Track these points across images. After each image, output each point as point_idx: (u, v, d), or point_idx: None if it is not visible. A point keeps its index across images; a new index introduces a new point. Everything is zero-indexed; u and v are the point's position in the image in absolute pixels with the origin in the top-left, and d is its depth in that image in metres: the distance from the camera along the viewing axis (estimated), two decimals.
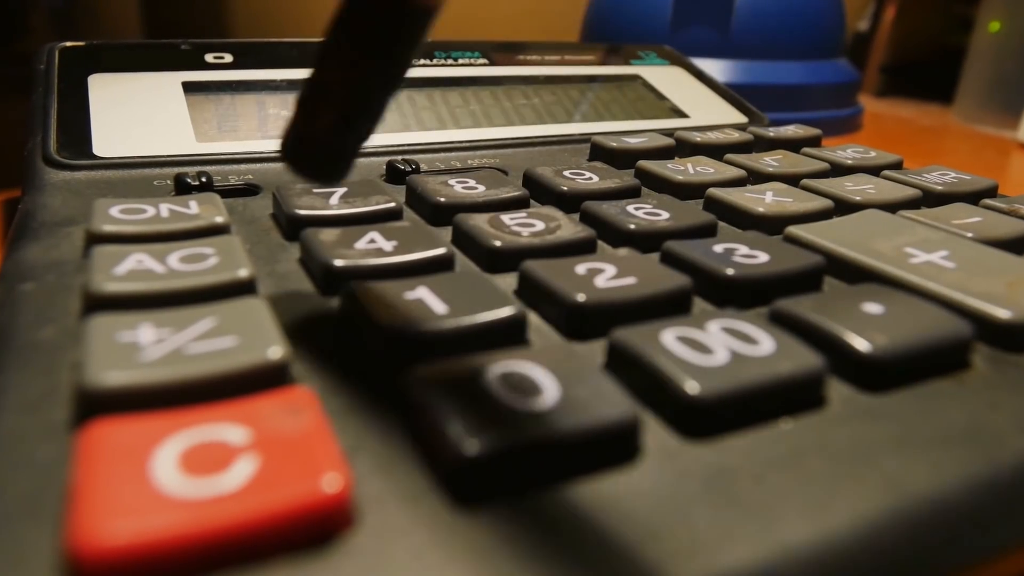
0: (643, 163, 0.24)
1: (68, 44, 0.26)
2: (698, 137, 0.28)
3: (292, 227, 0.18)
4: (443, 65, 0.31)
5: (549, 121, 0.29)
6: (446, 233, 0.18)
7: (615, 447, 0.10)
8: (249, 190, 0.21)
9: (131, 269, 0.14)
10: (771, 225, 0.19)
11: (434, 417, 0.10)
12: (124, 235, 0.16)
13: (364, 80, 0.12)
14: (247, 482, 0.09)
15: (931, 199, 0.22)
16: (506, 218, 0.18)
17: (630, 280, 0.14)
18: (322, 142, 0.12)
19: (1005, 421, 0.12)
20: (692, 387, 0.11)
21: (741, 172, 0.24)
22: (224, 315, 0.12)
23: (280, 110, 0.26)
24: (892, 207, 0.21)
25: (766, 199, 0.21)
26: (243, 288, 0.14)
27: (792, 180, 0.23)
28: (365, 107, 0.12)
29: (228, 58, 0.28)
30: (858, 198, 0.21)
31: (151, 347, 0.11)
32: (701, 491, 0.10)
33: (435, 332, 0.12)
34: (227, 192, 0.21)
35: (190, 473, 0.09)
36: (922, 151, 0.48)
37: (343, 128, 0.12)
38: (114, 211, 0.17)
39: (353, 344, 0.13)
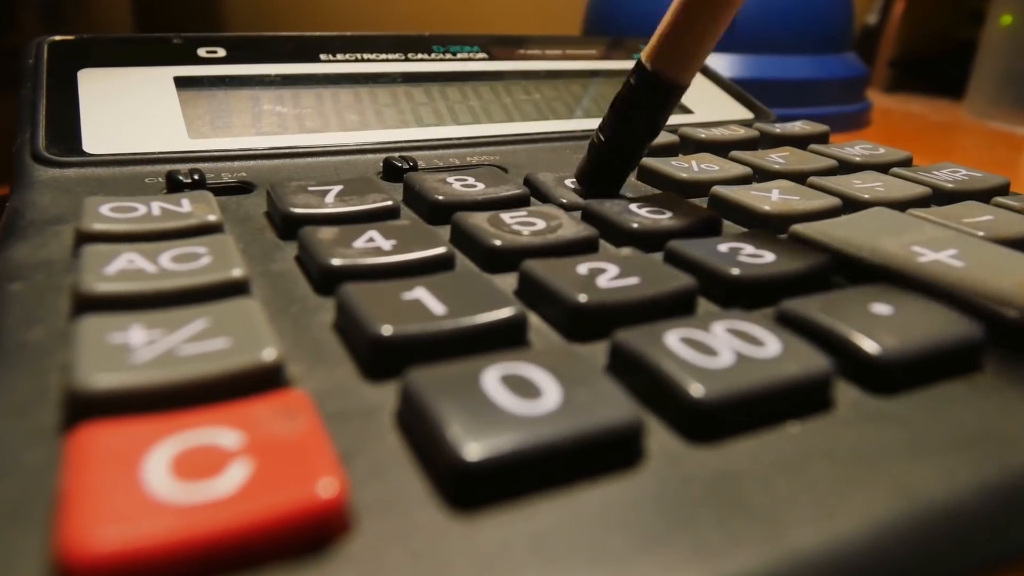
0: (646, 160, 0.24)
1: (57, 38, 0.26)
2: (702, 134, 0.28)
3: (287, 226, 0.18)
4: (441, 60, 0.31)
5: (550, 117, 0.29)
6: (444, 232, 0.18)
7: (618, 451, 0.10)
8: (243, 188, 0.21)
9: (122, 269, 0.14)
10: (777, 224, 0.19)
11: (432, 421, 0.10)
12: (115, 234, 0.16)
13: (640, 138, 0.20)
14: (240, 487, 0.09)
15: (941, 197, 0.22)
16: (506, 217, 0.18)
17: (633, 280, 0.14)
18: (609, 174, 0.21)
19: (1017, 424, 0.12)
20: (697, 390, 0.11)
21: (747, 169, 0.24)
22: (217, 316, 0.12)
23: (275, 106, 0.26)
24: (901, 205, 0.21)
25: (772, 197, 0.21)
26: (236, 288, 0.14)
27: (799, 178, 0.23)
28: (638, 152, 0.20)
29: (221, 52, 0.28)
30: (866, 196, 0.21)
31: (142, 349, 0.11)
32: (706, 496, 0.10)
33: (433, 333, 0.12)
34: (220, 190, 0.21)
35: (182, 478, 0.09)
36: (932, 148, 0.48)
37: (623, 165, 0.20)
38: (104, 209, 0.17)
39: (349, 346, 0.13)
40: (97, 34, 0.27)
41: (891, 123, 0.56)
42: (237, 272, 0.14)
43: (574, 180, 0.21)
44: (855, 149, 0.27)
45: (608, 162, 0.20)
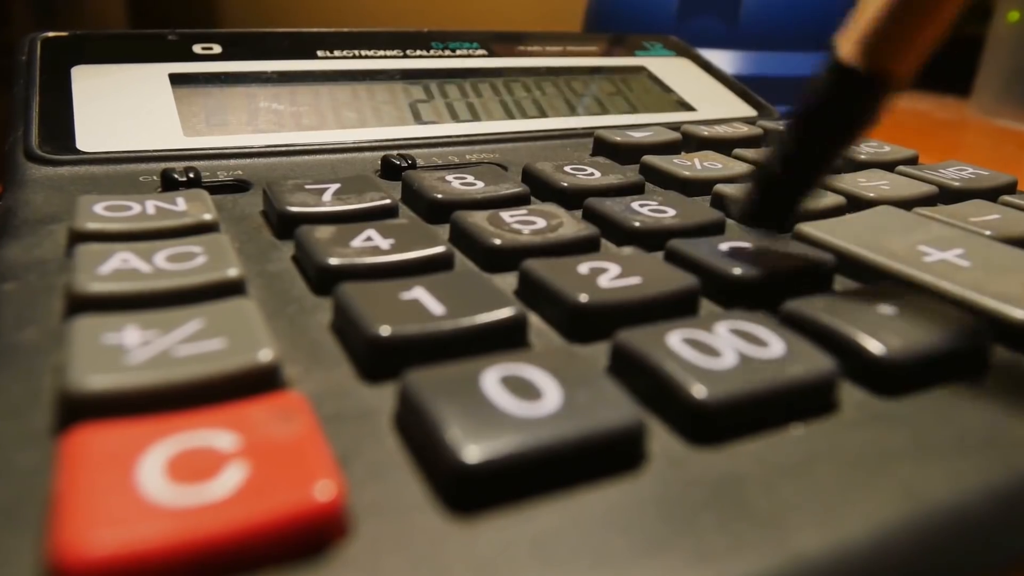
0: (648, 158, 0.24)
1: (51, 34, 0.26)
2: (705, 131, 0.28)
3: (283, 225, 0.18)
4: (440, 56, 0.31)
5: (551, 114, 0.29)
6: (443, 231, 0.18)
7: (619, 454, 0.10)
8: (239, 186, 0.21)
9: (116, 268, 0.14)
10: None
11: (431, 423, 0.10)
12: (109, 233, 0.16)
13: (830, 157, 0.15)
14: (236, 490, 0.09)
15: (947, 196, 0.22)
16: (506, 215, 0.18)
17: (635, 280, 0.14)
18: (784, 205, 0.15)
19: (1023, 427, 0.12)
20: (699, 391, 0.11)
21: (750, 168, 0.24)
22: (213, 316, 0.12)
23: (271, 103, 0.26)
24: (907, 204, 0.21)
25: None
26: (232, 288, 0.14)
27: None
28: (824, 174, 0.15)
29: (217, 49, 0.28)
30: (871, 194, 0.21)
31: (137, 349, 0.11)
32: (709, 499, 0.10)
33: (432, 334, 0.12)
34: (216, 188, 0.21)
35: (177, 480, 0.09)
36: (938, 146, 0.48)
37: (803, 193, 0.15)
38: (98, 208, 0.17)
39: (347, 346, 0.13)
40: (91, 30, 0.27)
41: (896, 121, 0.56)
42: (233, 272, 0.14)
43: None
44: (860, 147, 0.27)
45: (788, 192, 0.15)
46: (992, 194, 0.22)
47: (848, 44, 0.14)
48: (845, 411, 0.12)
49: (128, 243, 0.15)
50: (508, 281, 0.16)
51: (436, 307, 0.13)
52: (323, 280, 0.15)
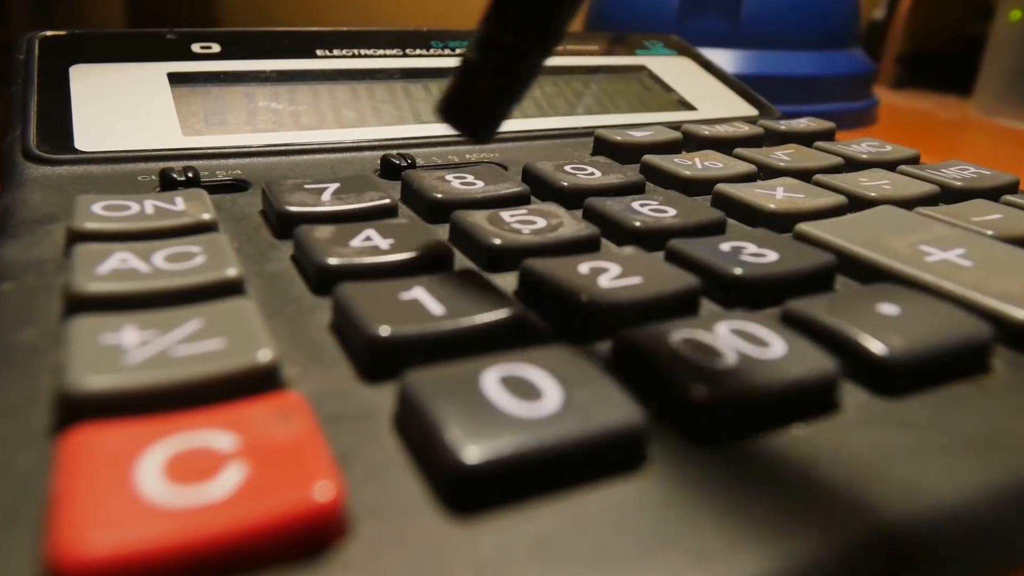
0: (649, 158, 0.24)
1: (49, 33, 0.26)
2: (706, 130, 0.28)
3: (282, 224, 0.18)
4: (440, 55, 0.31)
5: (551, 114, 0.29)
6: (443, 231, 0.18)
7: (620, 454, 0.10)
8: (237, 186, 0.21)
9: (114, 268, 0.14)
10: (782, 222, 0.19)
11: (430, 423, 0.10)
12: (107, 233, 0.16)
13: (523, 49, 0.14)
14: (235, 490, 0.09)
15: (949, 195, 0.22)
16: (506, 215, 0.18)
17: (635, 280, 0.14)
18: (481, 104, 0.14)
19: None
20: (700, 391, 0.11)
21: (751, 167, 0.24)
22: (211, 316, 0.12)
23: (270, 102, 0.26)
24: (908, 203, 0.21)
25: (777, 195, 0.21)
26: (231, 288, 0.14)
27: (804, 175, 0.23)
28: (522, 74, 0.14)
29: (215, 48, 0.28)
30: (873, 194, 0.21)
31: (135, 350, 0.11)
32: (709, 500, 0.10)
33: (432, 334, 0.12)
34: (214, 188, 0.21)
35: (176, 481, 0.09)
36: (940, 145, 0.48)
37: (500, 93, 0.14)
38: (97, 208, 0.17)
39: (346, 347, 0.13)
40: (89, 29, 0.27)
41: (898, 120, 0.56)
42: (232, 272, 0.14)
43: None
44: (861, 146, 0.27)
45: (484, 88, 0.14)
46: (994, 194, 0.22)
47: None
48: (846, 411, 0.12)
49: (126, 243, 0.15)
50: (508, 281, 0.16)
51: (436, 307, 0.13)
52: (322, 280, 0.15)
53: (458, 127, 0.15)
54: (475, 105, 0.14)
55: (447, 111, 0.15)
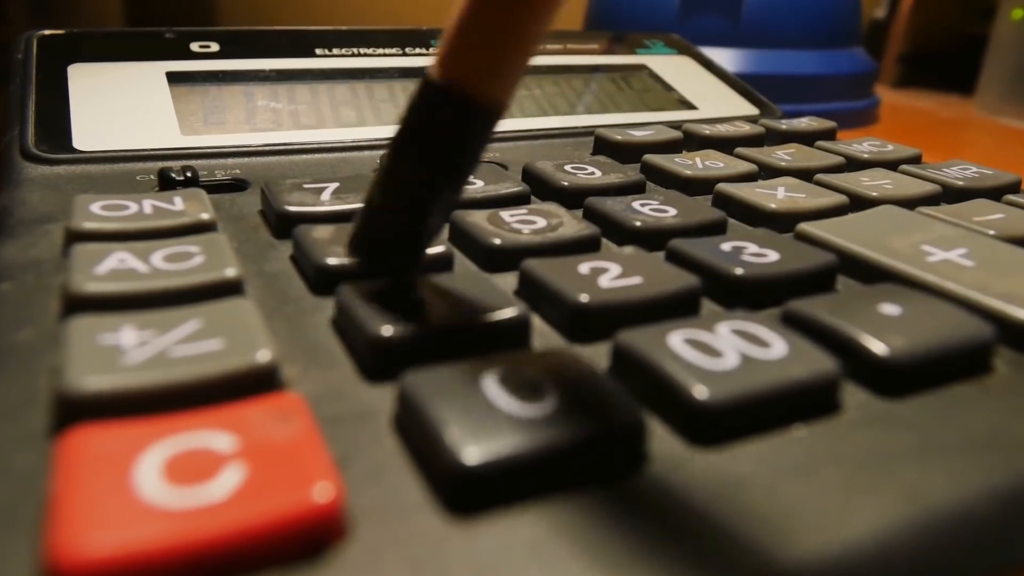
0: (649, 157, 0.24)
1: (47, 32, 0.26)
2: (707, 130, 0.28)
3: (282, 224, 0.18)
4: None
5: (551, 113, 0.29)
6: (442, 230, 0.18)
7: (620, 455, 0.10)
8: (236, 185, 0.21)
9: (113, 268, 0.14)
10: (783, 222, 0.19)
11: (430, 424, 0.10)
12: (105, 233, 0.16)
13: (433, 185, 0.13)
14: (234, 492, 0.09)
15: (951, 195, 0.22)
16: (506, 215, 0.18)
17: (635, 280, 0.14)
18: (393, 243, 0.13)
19: None
20: (701, 392, 0.11)
21: (752, 167, 0.24)
22: (210, 317, 0.12)
23: (269, 101, 0.26)
24: (910, 203, 0.21)
25: (778, 195, 0.21)
26: (230, 288, 0.14)
27: (805, 175, 0.23)
28: (435, 210, 0.13)
29: (214, 47, 0.28)
30: (874, 194, 0.21)
31: (134, 350, 0.11)
32: (710, 501, 0.10)
33: (434, 334, 0.12)
34: (213, 188, 0.21)
35: (175, 482, 0.09)
36: (942, 144, 0.48)
37: (414, 229, 0.13)
38: (95, 207, 0.17)
39: (347, 347, 0.13)
40: (87, 28, 0.27)
41: (900, 119, 0.56)
42: (231, 272, 0.14)
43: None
44: (863, 146, 0.27)
45: (394, 231, 0.13)
46: (996, 193, 0.22)
47: (435, 61, 0.13)
48: (848, 412, 0.12)
49: (125, 243, 0.15)
50: (508, 281, 0.16)
51: (438, 307, 0.13)
52: (321, 280, 0.15)
53: (372, 269, 0.14)
54: (386, 247, 0.14)
55: (356, 253, 0.14)
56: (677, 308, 0.14)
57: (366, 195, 0.13)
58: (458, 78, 0.12)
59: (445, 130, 0.13)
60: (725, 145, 0.27)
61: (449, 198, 0.13)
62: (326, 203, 0.18)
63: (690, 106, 0.32)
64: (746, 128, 0.29)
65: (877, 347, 0.12)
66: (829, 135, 0.29)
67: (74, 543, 0.08)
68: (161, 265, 0.14)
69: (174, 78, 0.26)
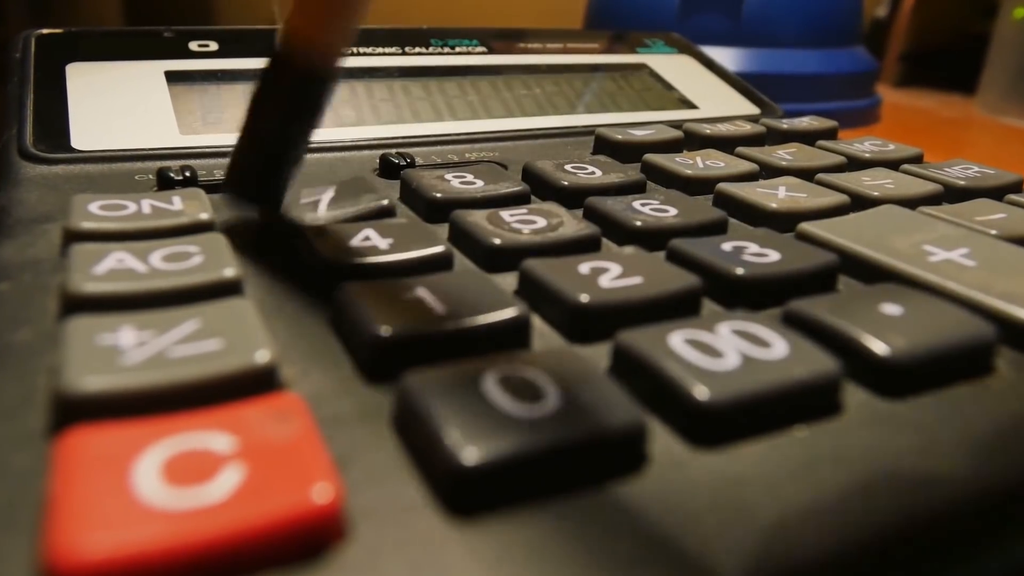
0: (650, 156, 0.24)
1: (45, 31, 0.26)
2: (708, 129, 0.28)
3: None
4: (439, 53, 0.31)
5: (551, 112, 0.29)
6: (442, 230, 0.18)
7: (620, 456, 0.10)
8: None
9: (111, 268, 0.14)
10: (784, 222, 0.19)
11: (430, 424, 0.10)
12: (104, 232, 0.16)
13: (284, 133, 0.16)
14: (233, 492, 0.09)
15: (953, 194, 0.22)
16: (506, 215, 0.18)
17: (636, 280, 0.14)
18: (257, 179, 0.17)
19: None
20: (701, 392, 0.11)
21: (753, 166, 0.24)
22: (209, 317, 0.12)
23: None
24: (911, 203, 0.21)
25: (779, 194, 0.21)
26: (229, 288, 0.14)
27: (806, 174, 0.23)
28: (287, 154, 0.16)
29: (213, 46, 0.28)
30: (876, 193, 0.21)
31: (132, 350, 0.11)
32: (711, 502, 0.10)
33: (434, 334, 0.12)
34: (212, 187, 0.21)
35: (173, 483, 0.09)
36: (944, 144, 0.48)
37: (271, 168, 0.17)
38: (93, 207, 0.17)
39: (346, 347, 0.13)
40: (86, 27, 0.27)
41: (901, 119, 0.56)
42: (230, 271, 0.14)
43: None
44: (864, 145, 0.27)
45: (254, 163, 0.17)
46: (998, 193, 0.22)
47: (279, 35, 0.16)
48: (849, 413, 0.12)
49: (123, 243, 0.15)
50: (508, 281, 0.16)
51: (438, 307, 0.13)
52: (321, 280, 0.15)
53: (246, 199, 0.17)
54: (254, 180, 0.17)
55: (232, 187, 0.17)
56: (678, 308, 0.14)
57: (237, 139, 0.17)
58: (295, 52, 0.15)
59: (282, 93, 0.16)
60: (726, 144, 0.27)
61: (297, 145, 0.16)
62: (324, 212, 0.18)
63: (691, 105, 0.32)
64: (747, 127, 0.29)
65: (878, 347, 0.12)
66: (830, 134, 0.29)
67: (72, 544, 0.08)
68: (160, 265, 0.14)
69: (173, 77, 0.26)
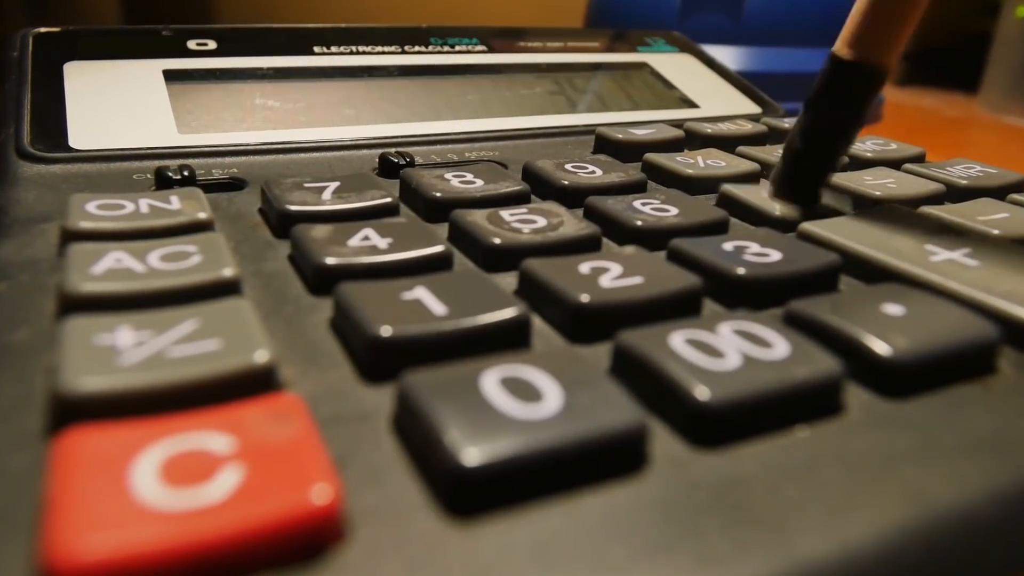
0: (650, 156, 0.24)
1: (42, 30, 0.26)
2: (709, 128, 0.28)
3: (281, 223, 0.18)
4: (439, 52, 0.31)
5: (551, 112, 0.29)
6: (442, 230, 0.18)
7: (621, 457, 0.10)
8: (234, 184, 0.21)
9: (109, 268, 0.14)
10: (785, 221, 0.19)
11: (429, 425, 0.10)
12: (101, 232, 0.16)
13: (839, 131, 0.19)
14: (232, 493, 0.09)
15: (955, 194, 0.22)
16: (505, 214, 0.18)
17: (637, 280, 0.14)
18: (809, 178, 0.20)
19: None
20: (702, 393, 0.11)
21: (755, 165, 0.24)
22: (208, 317, 0.12)
23: (267, 100, 0.26)
24: (913, 202, 0.21)
25: None
26: (228, 288, 0.14)
27: None
28: (839, 149, 0.19)
29: (212, 45, 0.28)
30: (877, 193, 0.21)
31: (130, 350, 0.11)
32: (712, 503, 0.10)
33: (434, 334, 0.12)
34: (210, 187, 0.21)
35: (172, 484, 0.09)
36: (946, 143, 0.48)
37: (824, 166, 0.19)
38: (91, 207, 0.17)
39: (345, 347, 0.13)
40: (83, 26, 0.27)
41: (903, 118, 0.56)
42: (228, 271, 0.14)
43: (770, 192, 0.21)
44: (866, 145, 0.27)
45: (810, 168, 0.19)
46: (1000, 192, 0.22)
47: (841, 40, 0.18)
48: (851, 413, 0.12)
49: (121, 242, 0.15)
50: (508, 281, 0.16)
51: (438, 307, 0.13)
52: (320, 280, 0.15)
53: (789, 199, 0.20)
54: (803, 182, 0.20)
55: (779, 188, 0.20)
56: (678, 308, 0.14)
57: (785, 145, 0.20)
58: (862, 55, 0.18)
59: (851, 93, 0.18)
60: (727, 144, 0.27)
61: (847, 143, 0.19)
62: (326, 202, 0.18)
63: (692, 104, 0.32)
64: (748, 127, 0.29)
65: (880, 347, 0.12)
66: None
67: (70, 545, 0.08)
68: (158, 265, 0.14)
69: (171, 76, 0.26)
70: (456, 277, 0.14)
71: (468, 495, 0.09)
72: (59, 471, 0.09)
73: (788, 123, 0.30)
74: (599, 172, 0.22)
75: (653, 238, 0.18)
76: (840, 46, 0.18)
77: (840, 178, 0.22)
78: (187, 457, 0.09)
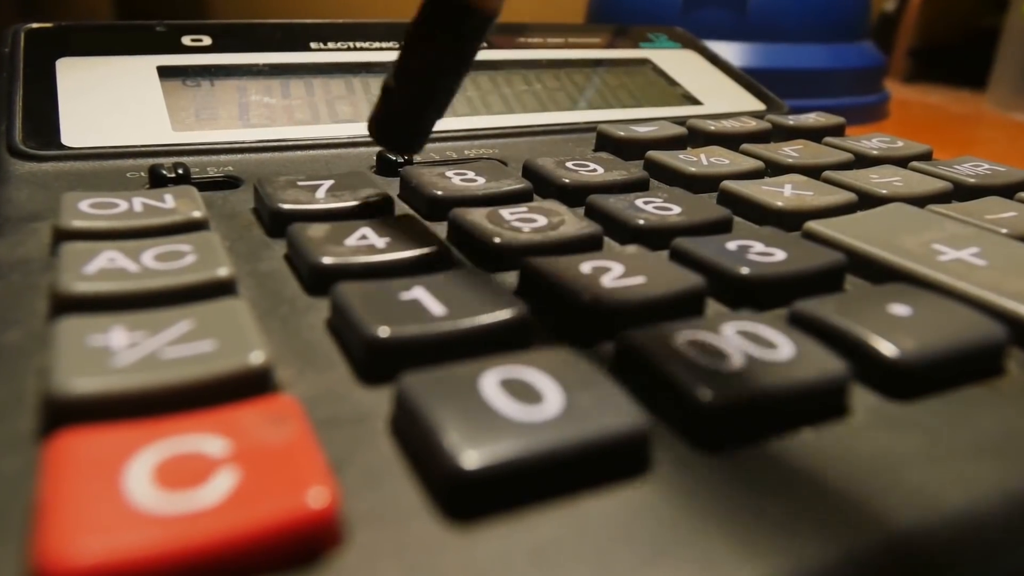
0: (653, 154, 0.24)
1: (35, 26, 0.26)
2: (712, 126, 0.28)
3: (275, 222, 0.18)
4: None
5: (552, 109, 0.29)
6: (442, 229, 0.18)
7: (623, 459, 0.10)
8: (229, 183, 0.21)
9: (102, 268, 0.14)
10: (790, 220, 0.19)
11: (427, 427, 0.10)
12: (95, 231, 0.16)
13: (437, 72, 0.17)
14: (227, 497, 0.09)
15: (963, 192, 0.22)
16: (506, 213, 0.18)
17: (639, 279, 0.14)
18: (404, 121, 0.18)
19: None
20: (705, 394, 0.11)
21: (758, 163, 0.24)
22: (202, 317, 0.12)
23: (263, 97, 0.26)
24: (920, 201, 0.21)
25: (785, 192, 0.21)
26: (222, 288, 0.14)
27: (813, 172, 0.23)
28: (439, 93, 0.17)
29: (206, 41, 0.28)
30: (884, 191, 0.21)
31: (124, 352, 0.11)
32: (716, 506, 0.10)
33: (432, 335, 0.12)
34: (205, 185, 0.21)
35: (166, 487, 0.09)
36: (953, 140, 0.48)
37: (420, 110, 0.18)
38: (84, 205, 0.17)
39: (342, 348, 0.13)
40: (76, 21, 0.27)
41: (910, 115, 0.56)
42: (223, 271, 0.14)
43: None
44: (872, 142, 0.27)
45: (404, 111, 0.18)
46: (1008, 191, 0.22)
47: None
48: (856, 415, 0.12)
49: (114, 241, 0.15)
50: (508, 280, 0.16)
51: (436, 307, 0.13)
52: (316, 280, 0.15)
53: (385, 145, 0.19)
54: (398, 126, 0.18)
55: (375, 131, 0.18)
56: (681, 308, 0.14)
57: (382, 84, 0.18)
58: None
59: (447, 30, 0.17)
60: (730, 141, 0.27)
61: (448, 87, 0.17)
62: (321, 201, 0.18)
63: (695, 101, 0.32)
64: (752, 124, 0.29)
65: (887, 348, 0.12)
66: (837, 131, 0.29)
67: (62, 549, 0.08)
68: (152, 264, 0.14)
69: (165, 72, 0.26)
70: (455, 277, 0.14)
71: (467, 499, 0.09)
72: (51, 474, 0.09)
73: (793, 120, 0.30)
74: (601, 170, 0.22)
75: (655, 237, 0.18)
76: None
77: (846, 176, 0.22)
78: (181, 460, 0.09)
